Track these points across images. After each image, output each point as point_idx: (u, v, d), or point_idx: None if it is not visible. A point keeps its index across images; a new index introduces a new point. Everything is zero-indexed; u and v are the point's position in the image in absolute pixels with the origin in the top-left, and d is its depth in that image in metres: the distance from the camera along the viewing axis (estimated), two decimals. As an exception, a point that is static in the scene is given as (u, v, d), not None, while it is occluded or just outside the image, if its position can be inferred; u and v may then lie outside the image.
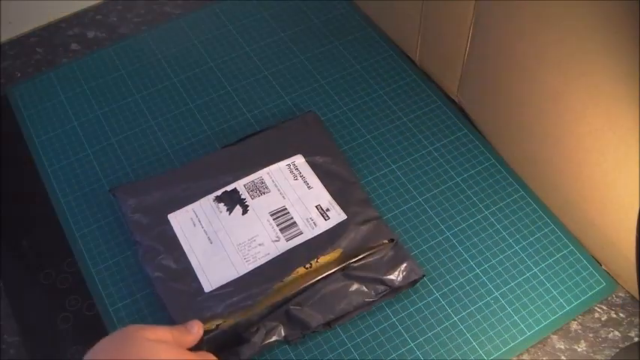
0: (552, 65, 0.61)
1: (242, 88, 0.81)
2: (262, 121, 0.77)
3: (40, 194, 0.73)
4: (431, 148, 0.74)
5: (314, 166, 0.70)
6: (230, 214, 0.67)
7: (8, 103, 0.81)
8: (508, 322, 0.62)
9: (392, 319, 0.63)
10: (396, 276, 0.63)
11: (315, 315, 0.61)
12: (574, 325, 0.63)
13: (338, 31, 0.86)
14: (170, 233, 0.66)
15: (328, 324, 0.62)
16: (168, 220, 0.67)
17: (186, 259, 0.64)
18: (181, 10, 0.90)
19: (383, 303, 0.64)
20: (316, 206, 0.67)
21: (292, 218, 0.66)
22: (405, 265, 0.64)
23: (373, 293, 0.63)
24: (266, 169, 0.70)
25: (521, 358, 0.61)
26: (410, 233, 0.68)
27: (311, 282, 0.62)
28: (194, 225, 0.67)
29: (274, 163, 0.70)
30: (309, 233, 0.65)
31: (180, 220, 0.67)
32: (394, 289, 0.63)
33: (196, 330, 0.57)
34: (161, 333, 0.53)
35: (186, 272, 0.64)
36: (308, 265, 0.63)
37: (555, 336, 0.62)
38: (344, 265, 0.63)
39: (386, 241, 0.65)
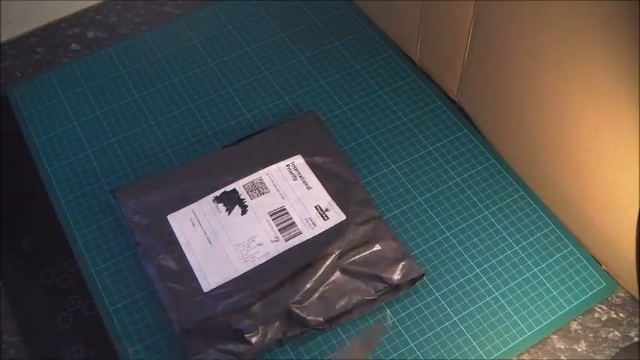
0: (552, 65, 0.61)
1: (242, 88, 0.81)
2: (262, 121, 0.77)
3: (40, 194, 0.73)
4: (431, 148, 0.74)
5: (313, 167, 0.70)
6: (229, 214, 0.67)
7: (8, 103, 0.81)
8: (508, 322, 0.62)
9: (391, 319, 0.63)
10: (396, 274, 0.63)
11: (315, 313, 0.61)
12: (574, 325, 0.63)
13: (338, 31, 0.86)
14: (170, 233, 0.66)
15: (328, 322, 0.62)
16: (168, 221, 0.67)
17: (186, 259, 0.64)
18: (181, 10, 0.90)
19: (382, 303, 0.64)
20: (315, 206, 0.67)
21: (291, 218, 0.66)
22: (404, 263, 0.64)
23: (373, 291, 0.63)
24: (265, 170, 0.70)
25: (521, 358, 0.61)
26: (410, 233, 0.68)
27: (310, 280, 0.62)
28: (193, 225, 0.67)
29: (274, 163, 0.70)
30: (308, 233, 0.65)
31: (179, 221, 0.67)
32: (394, 288, 0.63)
33: None
34: None
35: (185, 272, 0.64)
36: (307, 265, 0.63)
37: (555, 336, 0.62)
38: (342, 260, 0.63)
39: (386, 241, 0.65)
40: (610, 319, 0.63)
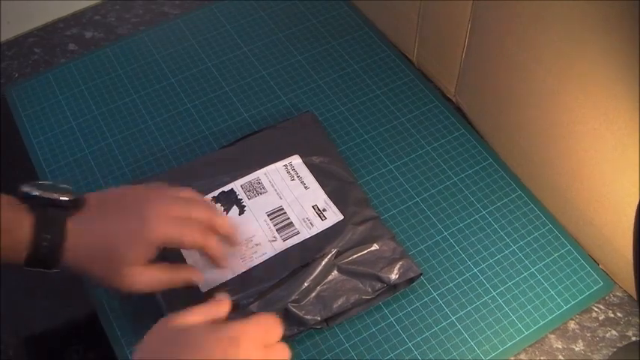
0: (549, 65, 0.61)
1: (240, 88, 0.81)
2: (260, 121, 0.77)
3: (37, 194, 0.73)
4: (428, 148, 0.74)
5: (311, 167, 0.70)
6: (227, 214, 0.67)
7: (6, 104, 0.81)
8: (505, 322, 0.62)
9: (389, 318, 0.63)
10: (393, 273, 0.63)
11: (312, 312, 0.61)
12: (571, 325, 0.63)
13: (336, 32, 0.86)
14: None
15: (326, 321, 0.62)
16: None
17: (183, 260, 0.64)
18: (179, 10, 0.90)
19: (381, 303, 0.64)
20: (313, 206, 0.67)
21: (289, 218, 0.67)
22: (402, 262, 0.64)
23: (370, 290, 0.63)
24: (263, 170, 0.70)
25: (518, 357, 0.61)
26: (407, 233, 0.68)
27: (307, 279, 0.62)
28: None
29: (271, 163, 0.70)
30: (305, 233, 0.65)
31: None
32: (391, 287, 0.63)
33: (225, 299, 0.55)
34: (198, 316, 0.52)
35: None
36: (304, 265, 0.63)
37: (553, 335, 0.62)
38: (340, 260, 0.63)
39: (384, 240, 0.65)
40: (607, 318, 0.63)
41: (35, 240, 0.53)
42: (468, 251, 0.67)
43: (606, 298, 0.64)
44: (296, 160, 0.71)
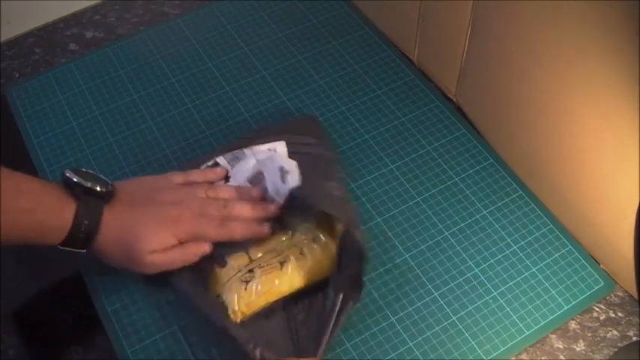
0: (550, 65, 0.61)
1: (240, 88, 0.81)
2: (260, 121, 0.77)
3: (38, 195, 0.73)
4: (429, 148, 0.74)
5: (292, 147, 0.72)
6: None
7: (7, 104, 0.81)
8: (506, 322, 0.63)
9: (391, 318, 0.63)
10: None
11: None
12: (572, 325, 0.63)
13: (336, 32, 0.86)
14: None
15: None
16: None
17: None
18: (179, 10, 0.90)
19: (381, 303, 0.64)
20: (280, 168, 0.69)
21: (266, 182, 0.68)
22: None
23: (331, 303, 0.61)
24: (248, 148, 0.72)
25: (519, 357, 0.61)
26: (408, 233, 0.68)
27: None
28: None
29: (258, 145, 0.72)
30: (279, 199, 0.67)
31: None
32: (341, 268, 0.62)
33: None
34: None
35: None
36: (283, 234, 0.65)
37: (554, 335, 0.62)
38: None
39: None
40: (608, 318, 0.63)
41: (75, 224, 0.59)
42: (469, 251, 0.67)
43: (607, 298, 0.64)
44: (280, 147, 0.72)
